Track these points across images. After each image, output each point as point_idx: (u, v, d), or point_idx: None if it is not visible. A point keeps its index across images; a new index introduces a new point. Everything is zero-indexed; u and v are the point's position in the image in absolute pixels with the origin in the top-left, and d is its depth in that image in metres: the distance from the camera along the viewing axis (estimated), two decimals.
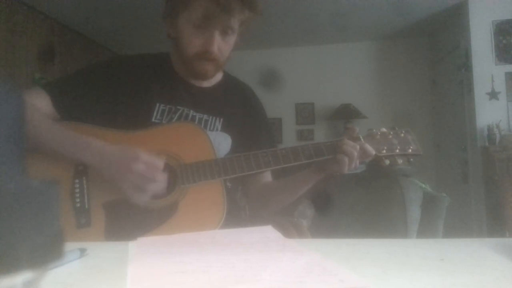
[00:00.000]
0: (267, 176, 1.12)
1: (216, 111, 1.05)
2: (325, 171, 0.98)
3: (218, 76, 1.12)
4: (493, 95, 3.48)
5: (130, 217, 0.86)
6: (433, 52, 4.56)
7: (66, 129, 0.90)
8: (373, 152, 0.93)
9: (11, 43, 3.30)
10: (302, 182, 1.03)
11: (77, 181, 0.87)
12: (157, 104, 1.00)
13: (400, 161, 0.97)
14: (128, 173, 0.81)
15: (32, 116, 0.88)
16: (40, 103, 0.94)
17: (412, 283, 0.44)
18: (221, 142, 1.03)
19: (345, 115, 4.51)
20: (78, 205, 0.85)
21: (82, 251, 0.58)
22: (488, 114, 3.45)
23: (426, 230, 1.77)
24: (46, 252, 0.29)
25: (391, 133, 0.99)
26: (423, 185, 1.97)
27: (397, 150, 0.96)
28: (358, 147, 0.92)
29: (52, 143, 0.88)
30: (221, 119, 1.05)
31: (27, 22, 3.49)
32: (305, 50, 4.90)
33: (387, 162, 0.96)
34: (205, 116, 1.03)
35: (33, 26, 3.56)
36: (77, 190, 0.86)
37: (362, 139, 0.95)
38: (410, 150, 0.97)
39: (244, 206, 1.18)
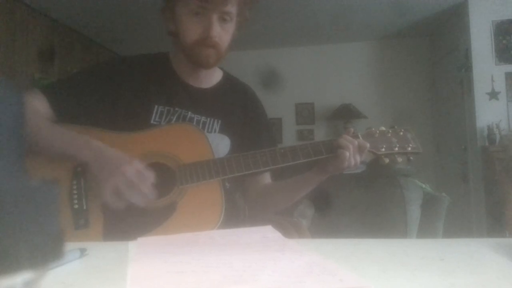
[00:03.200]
0: (266, 178, 1.12)
1: (214, 113, 1.05)
2: (326, 171, 0.98)
3: (218, 77, 1.11)
4: (493, 95, 3.48)
5: (128, 217, 0.85)
6: (433, 52, 4.56)
7: (65, 128, 0.91)
8: (367, 144, 0.94)
9: (11, 43, 3.30)
10: (304, 184, 1.03)
11: (75, 182, 0.87)
12: (156, 106, 1.00)
13: (399, 159, 0.97)
14: (114, 174, 0.80)
15: (31, 116, 0.88)
16: (37, 105, 0.94)
17: (412, 283, 0.44)
18: (219, 143, 1.03)
19: (345, 115, 4.51)
20: (76, 206, 0.85)
21: (82, 251, 0.58)
22: (488, 114, 3.45)
23: (426, 230, 1.77)
24: (46, 252, 0.29)
25: (390, 131, 0.99)
26: (423, 185, 1.97)
27: (396, 148, 0.97)
28: (356, 142, 0.93)
29: (49, 140, 0.88)
30: (219, 121, 1.05)
31: (27, 22, 3.49)
32: (305, 50, 4.90)
33: (387, 160, 0.97)
34: (203, 118, 1.03)
35: (33, 26, 3.56)
36: (75, 192, 0.86)
37: (360, 137, 0.96)
38: (409, 148, 0.97)
39: (243, 206, 1.18)
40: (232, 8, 0.95)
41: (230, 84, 1.13)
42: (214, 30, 0.94)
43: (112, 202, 0.82)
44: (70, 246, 0.56)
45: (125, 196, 0.81)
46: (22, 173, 0.33)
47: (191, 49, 0.97)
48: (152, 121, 0.99)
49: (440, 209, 1.82)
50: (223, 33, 0.96)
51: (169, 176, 0.88)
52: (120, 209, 0.83)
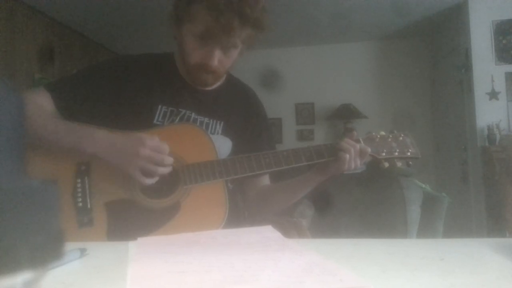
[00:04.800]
0: (265, 180, 1.13)
1: (217, 114, 1.05)
2: (326, 172, 0.99)
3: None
4: (493, 95, 3.48)
5: (132, 217, 0.86)
6: (433, 52, 4.56)
7: (70, 122, 0.91)
8: (369, 149, 0.96)
9: (11, 43, 3.30)
10: (303, 184, 1.04)
11: (79, 180, 0.87)
12: (159, 106, 1.00)
13: (399, 164, 0.99)
14: (136, 158, 0.83)
15: (36, 113, 0.88)
16: (42, 103, 0.94)
17: (412, 283, 0.44)
18: (221, 145, 1.03)
19: (345, 115, 4.51)
20: (80, 204, 0.85)
21: (82, 251, 0.58)
22: (488, 114, 3.45)
23: (426, 230, 1.77)
24: (46, 252, 0.29)
25: (390, 136, 1.01)
26: (423, 185, 1.97)
27: (396, 153, 0.99)
28: (357, 146, 0.94)
29: (55, 134, 0.88)
30: (222, 123, 1.05)
31: (27, 22, 3.49)
32: (305, 50, 4.90)
33: (387, 164, 0.99)
34: (206, 119, 1.04)
35: (33, 26, 3.56)
36: (79, 190, 0.86)
37: (361, 141, 0.98)
38: (409, 153, 1.00)
39: (243, 207, 1.18)
40: (237, 40, 0.95)
41: (232, 86, 1.14)
42: (215, 60, 0.94)
43: (143, 181, 0.84)
44: (70, 246, 0.56)
45: (154, 172, 0.84)
46: (22, 173, 0.33)
47: (191, 69, 0.99)
48: (155, 121, 0.99)
49: (440, 209, 1.82)
50: (224, 59, 0.97)
51: (173, 176, 0.89)
52: (126, 208, 0.84)
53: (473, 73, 3.53)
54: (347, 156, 0.92)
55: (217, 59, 0.95)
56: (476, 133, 3.49)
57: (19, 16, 3.40)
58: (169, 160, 0.85)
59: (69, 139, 0.87)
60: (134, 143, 0.84)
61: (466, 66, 3.64)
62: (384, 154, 0.98)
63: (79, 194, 0.86)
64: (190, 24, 0.93)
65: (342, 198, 1.98)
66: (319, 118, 4.89)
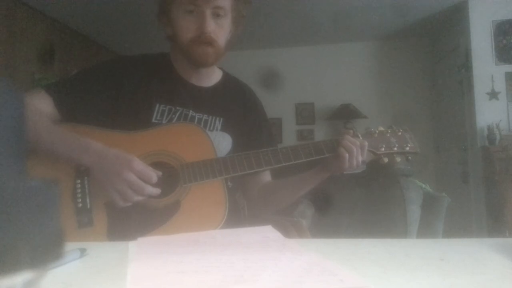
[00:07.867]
0: (267, 176, 1.13)
1: (216, 111, 1.06)
2: (328, 170, 0.99)
3: (218, 76, 1.12)
4: (493, 95, 3.48)
5: (132, 216, 0.86)
6: (433, 52, 4.56)
7: (66, 131, 0.91)
8: (366, 143, 0.96)
9: (11, 43, 3.30)
10: (305, 183, 1.04)
11: (78, 181, 0.87)
12: (157, 105, 1.00)
13: (398, 159, 0.99)
14: (118, 179, 0.82)
15: (32, 118, 0.88)
16: (41, 104, 0.94)
17: (412, 283, 0.44)
18: (221, 141, 1.03)
19: (345, 115, 4.51)
20: (80, 205, 0.85)
21: (82, 251, 0.58)
22: (488, 114, 3.45)
23: (426, 230, 1.77)
24: (46, 252, 0.29)
25: (389, 131, 1.01)
26: (423, 185, 1.97)
27: (395, 148, 0.99)
28: (358, 142, 0.94)
29: (51, 144, 0.88)
30: (221, 119, 1.06)
31: (27, 22, 3.49)
32: (305, 50, 4.90)
33: (386, 160, 0.99)
34: (205, 116, 1.04)
35: (33, 26, 3.56)
36: (79, 190, 0.86)
37: (360, 137, 0.98)
38: (408, 148, 0.99)
39: (243, 206, 1.18)
40: (224, 2, 0.96)
41: (230, 83, 1.14)
42: (208, 25, 0.95)
43: (118, 204, 0.84)
44: (70, 246, 0.56)
45: (130, 199, 0.83)
46: (22, 173, 0.33)
47: (188, 48, 0.98)
48: (153, 120, 0.99)
49: (440, 209, 1.82)
50: (218, 29, 0.97)
51: (172, 175, 0.89)
52: (126, 208, 0.84)
53: (473, 73, 3.54)
54: (347, 154, 0.92)
55: (210, 26, 0.95)
56: (476, 133, 3.50)
57: (19, 16, 3.40)
58: (150, 190, 0.83)
59: (64, 149, 0.88)
60: (122, 163, 0.83)
61: (466, 66, 3.65)
62: (383, 149, 0.98)
63: (79, 195, 0.86)
64: (177, 2, 0.96)
65: (342, 198, 1.98)
66: (319, 118, 4.89)
